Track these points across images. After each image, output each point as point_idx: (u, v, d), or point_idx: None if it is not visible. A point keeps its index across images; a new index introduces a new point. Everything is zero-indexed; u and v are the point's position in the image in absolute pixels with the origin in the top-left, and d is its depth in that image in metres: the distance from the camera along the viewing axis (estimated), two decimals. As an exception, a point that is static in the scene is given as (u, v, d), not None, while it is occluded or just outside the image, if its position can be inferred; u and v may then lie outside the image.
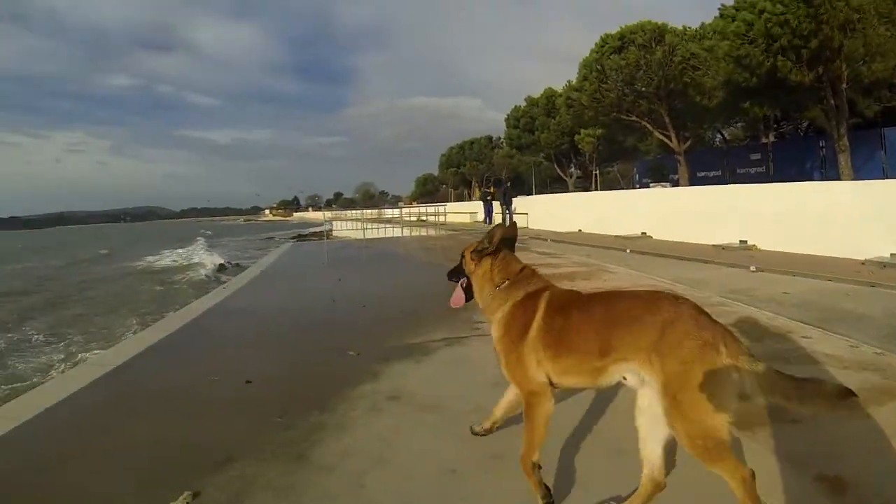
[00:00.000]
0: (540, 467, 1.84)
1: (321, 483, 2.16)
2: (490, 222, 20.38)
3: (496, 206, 20.75)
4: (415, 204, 53.65)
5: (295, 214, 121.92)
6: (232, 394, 3.26)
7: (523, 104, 33.42)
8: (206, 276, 20.31)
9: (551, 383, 1.86)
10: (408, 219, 24.60)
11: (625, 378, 1.72)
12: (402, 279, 8.16)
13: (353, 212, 50.25)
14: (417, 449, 2.43)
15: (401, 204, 61.09)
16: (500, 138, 44.23)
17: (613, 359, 1.70)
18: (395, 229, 15.80)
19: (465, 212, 24.28)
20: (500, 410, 2.36)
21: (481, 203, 25.63)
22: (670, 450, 1.77)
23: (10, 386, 7.68)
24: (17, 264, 33.34)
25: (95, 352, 8.25)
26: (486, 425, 2.41)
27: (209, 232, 61.59)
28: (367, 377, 3.41)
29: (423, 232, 17.67)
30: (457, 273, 2.26)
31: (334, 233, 29.56)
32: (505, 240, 2.15)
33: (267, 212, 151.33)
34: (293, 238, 36.25)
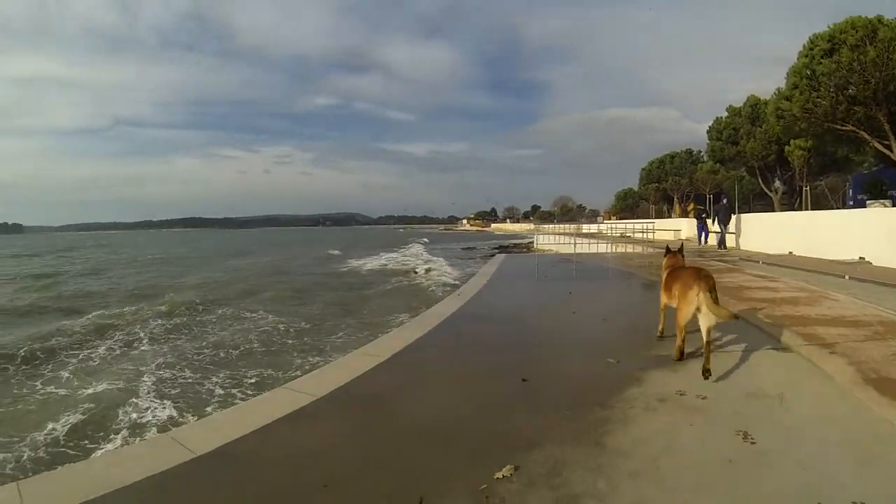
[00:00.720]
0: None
1: (623, 465, 2.55)
2: (705, 242, 19.85)
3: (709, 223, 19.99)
4: (614, 218, 52.94)
5: (493, 225, 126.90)
6: (512, 389, 3.80)
7: (724, 115, 31.29)
8: (439, 279, 21.75)
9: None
10: (609, 234, 24.46)
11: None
12: (632, 296, 8.49)
13: (553, 225, 50.72)
14: (694, 440, 2.84)
15: (599, 218, 60.01)
16: (700, 151, 41.39)
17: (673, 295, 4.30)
18: (600, 244, 15.75)
19: (670, 229, 23.43)
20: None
21: (687, 220, 24.99)
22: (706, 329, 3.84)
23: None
24: (263, 257, 41.92)
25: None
26: (660, 328, 5.19)
27: (426, 239, 65.94)
28: (632, 382, 3.83)
29: (631, 248, 18.00)
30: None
31: (536, 245, 30.29)
32: (678, 249, 5.16)
33: (464, 222, 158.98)
34: (496, 249, 38.63)
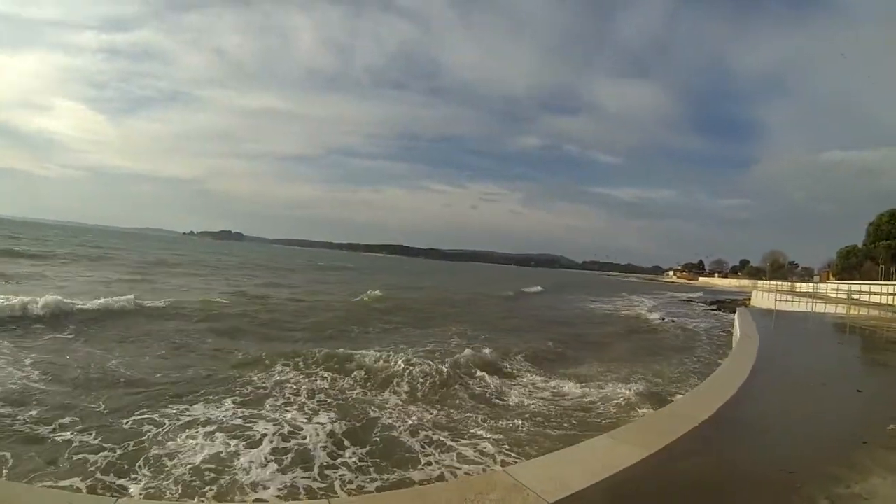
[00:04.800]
0: None
1: None
2: None
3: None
4: (833, 278, 49.20)
5: (700, 279, 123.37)
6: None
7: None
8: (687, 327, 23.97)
9: None
10: (833, 295, 25.21)
11: None
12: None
13: (767, 282, 49.73)
14: None
15: (816, 278, 55.99)
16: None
17: None
18: (826, 305, 17.98)
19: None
20: None
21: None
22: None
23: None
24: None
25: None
26: None
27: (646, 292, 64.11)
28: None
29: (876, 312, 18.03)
30: None
31: (752, 302, 32.19)
32: None
33: (671, 273, 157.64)
34: (713, 305, 41.09)
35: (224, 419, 7.22)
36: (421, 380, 9.93)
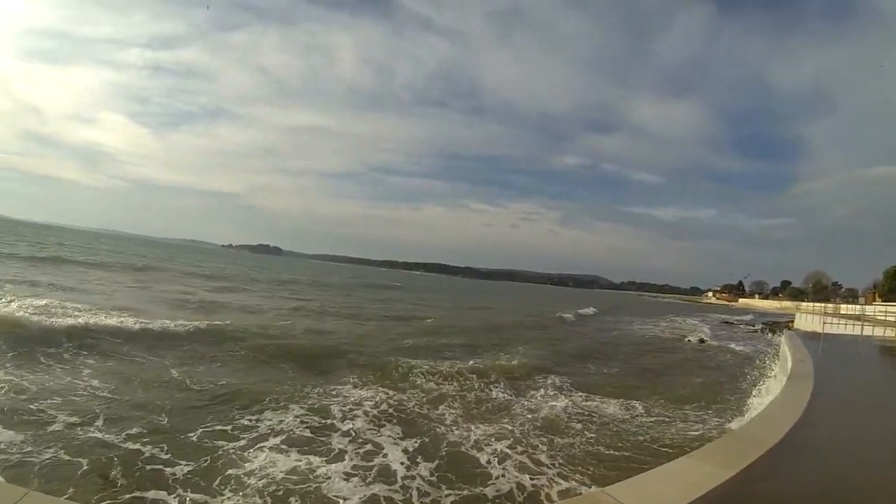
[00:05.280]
0: None
1: None
2: None
3: None
4: (879, 300, 48.55)
5: (740, 300, 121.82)
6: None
7: None
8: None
9: None
10: (881, 318, 25.33)
11: None
12: None
13: (810, 304, 49.19)
14: None
15: (861, 300, 54.17)
16: None
17: None
18: (874, 328, 18.13)
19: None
20: None
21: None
22: None
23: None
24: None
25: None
26: None
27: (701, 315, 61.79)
28: None
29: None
30: None
31: (795, 325, 32.41)
32: None
33: (710, 294, 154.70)
34: (756, 328, 40.95)
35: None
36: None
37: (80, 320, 13.71)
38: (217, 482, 6.07)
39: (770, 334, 33.34)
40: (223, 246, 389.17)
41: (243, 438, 7.50)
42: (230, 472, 6.34)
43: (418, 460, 7.24)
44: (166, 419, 7.98)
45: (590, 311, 47.49)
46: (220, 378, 10.72)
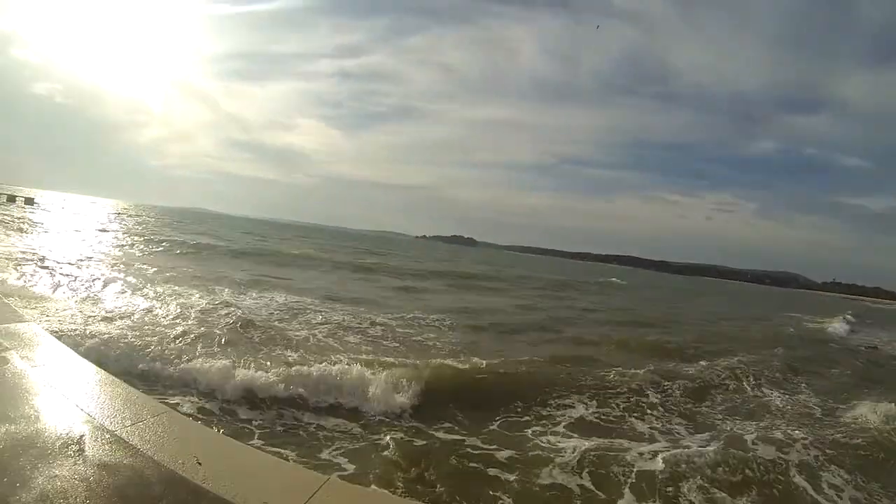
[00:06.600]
0: None
1: None
2: None
3: None
4: None
5: None
6: None
7: None
8: None
9: None
10: None
11: None
12: None
13: None
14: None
15: None
16: None
17: None
18: None
19: None
20: None
21: None
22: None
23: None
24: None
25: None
26: None
27: None
28: None
29: None
30: None
31: None
32: None
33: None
34: None
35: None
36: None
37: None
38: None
39: None
40: (416, 237, 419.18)
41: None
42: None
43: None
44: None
45: (844, 322, 34.09)
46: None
